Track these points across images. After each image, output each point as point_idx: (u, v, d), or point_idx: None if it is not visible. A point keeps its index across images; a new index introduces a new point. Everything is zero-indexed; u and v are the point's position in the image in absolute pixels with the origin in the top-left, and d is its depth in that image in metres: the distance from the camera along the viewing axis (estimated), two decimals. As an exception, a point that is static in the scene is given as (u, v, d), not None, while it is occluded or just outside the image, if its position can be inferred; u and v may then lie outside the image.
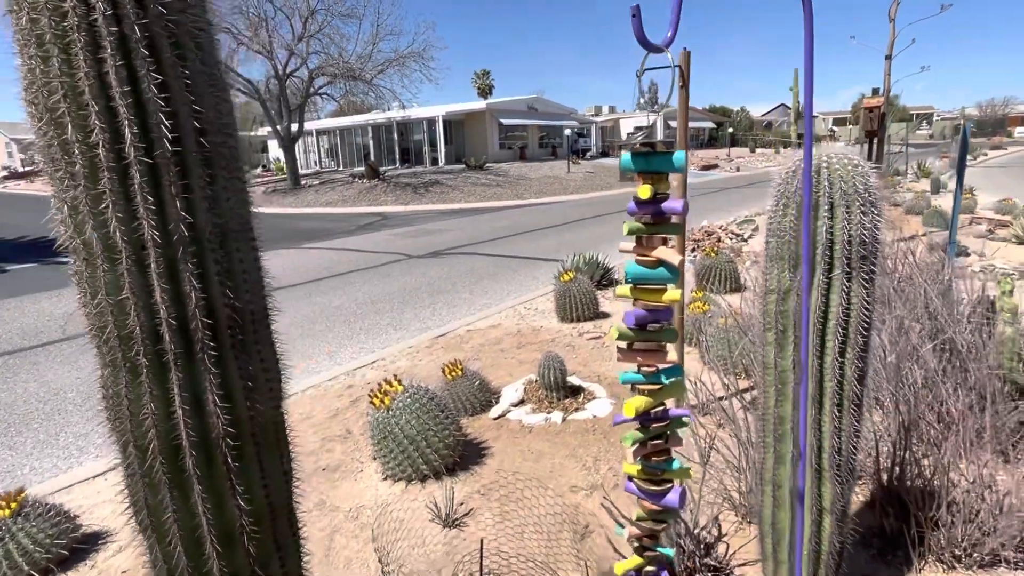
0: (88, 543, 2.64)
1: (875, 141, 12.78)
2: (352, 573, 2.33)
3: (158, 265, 0.95)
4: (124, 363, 1.00)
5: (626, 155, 0.82)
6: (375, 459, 3.10)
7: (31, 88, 0.90)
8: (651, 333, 0.86)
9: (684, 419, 0.94)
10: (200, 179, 0.97)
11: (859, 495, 2.56)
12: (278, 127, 24.39)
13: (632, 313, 0.83)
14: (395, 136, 33.23)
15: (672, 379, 0.89)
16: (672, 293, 0.82)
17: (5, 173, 38.76)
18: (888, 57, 17.27)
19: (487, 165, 28.16)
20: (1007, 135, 56.64)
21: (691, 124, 2.97)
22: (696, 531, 2.19)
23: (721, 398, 3.25)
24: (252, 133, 37.08)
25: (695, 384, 3.19)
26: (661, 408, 0.91)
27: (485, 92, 50.38)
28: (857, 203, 1.58)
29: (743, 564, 2.21)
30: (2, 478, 3.41)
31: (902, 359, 2.84)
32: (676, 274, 0.81)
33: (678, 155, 0.79)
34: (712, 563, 2.14)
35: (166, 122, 0.90)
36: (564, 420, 3.53)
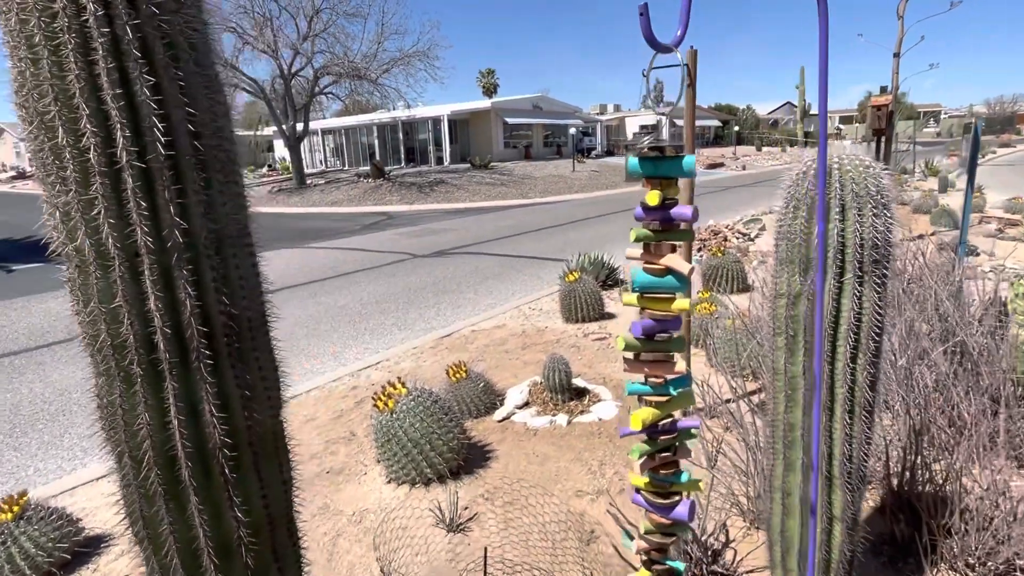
0: (90, 546, 2.63)
1: (883, 140, 12.67)
2: (355, 578, 2.31)
3: (152, 272, 0.93)
4: (118, 372, 0.97)
5: (633, 159, 0.79)
6: (379, 462, 3.08)
7: (22, 91, 0.88)
8: (659, 343, 0.83)
9: (693, 430, 0.91)
10: (195, 183, 0.94)
11: (868, 500, 2.52)
12: (284, 127, 24.43)
13: (639, 323, 0.80)
14: (400, 135, 33.24)
15: (680, 390, 0.86)
16: (681, 302, 0.79)
17: (13, 173, 39.00)
18: (896, 55, 17.13)
19: (492, 164, 28.13)
20: (1016, 132, 56.16)
21: (697, 122, 2.93)
22: (703, 537, 2.15)
23: (728, 400, 3.22)
24: (257, 133, 37.21)
25: (702, 387, 3.15)
26: (669, 420, 0.88)
27: (490, 91, 50.35)
28: (869, 205, 1.54)
29: (751, 571, 2.18)
30: (6, 479, 3.41)
31: (912, 362, 2.79)
32: (685, 283, 0.78)
33: (688, 159, 0.75)
34: (720, 570, 2.10)
35: (159, 125, 0.88)
36: (569, 423, 3.50)
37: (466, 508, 2.69)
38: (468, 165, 28.41)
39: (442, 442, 2.91)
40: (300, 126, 24.86)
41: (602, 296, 5.88)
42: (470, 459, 3.13)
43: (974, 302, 3.50)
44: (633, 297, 0.83)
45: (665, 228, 0.78)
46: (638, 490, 0.96)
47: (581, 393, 3.85)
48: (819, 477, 1.68)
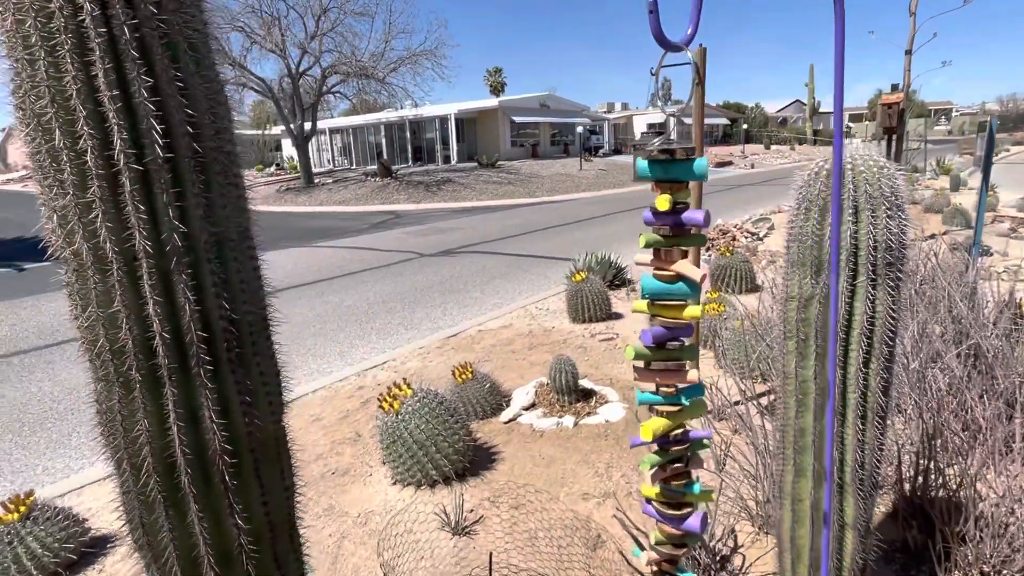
0: (97, 547, 2.63)
1: (893, 138, 12.52)
2: (360, 581, 2.29)
3: (151, 276, 0.91)
4: (117, 378, 0.96)
5: (642, 162, 0.76)
6: (384, 463, 3.06)
7: (19, 92, 0.87)
8: (670, 352, 0.80)
9: (705, 441, 0.88)
10: (194, 186, 0.93)
11: (880, 506, 2.48)
12: (291, 126, 24.52)
13: (649, 332, 0.78)
14: (407, 134, 33.28)
15: (693, 399, 0.84)
16: (693, 310, 0.76)
17: (25, 172, 39.37)
18: (908, 52, 16.94)
19: (499, 163, 28.10)
20: (1029, 130, 55.47)
21: (705, 121, 2.90)
22: (711, 543, 2.12)
23: (737, 402, 3.18)
24: (265, 132, 37.36)
25: (710, 389, 3.12)
26: (681, 430, 0.85)
27: (497, 90, 50.28)
28: (883, 206, 1.50)
29: (760, 578, 2.15)
30: (15, 478, 3.43)
31: (925, 364, 2.75)
32: (697, 290, 0.75)
33: (700, 162, 0.73)
34: (728, 576, 2.07)
35: (157, 127, 0.86)
36: (576, 425, 3.47)
37: (471, 511, 2.67)
38: (475, 164, 28.40)
39: (448, 444, 2.89)
40: (308, 125, 24.94)
41: (609, 296, 5.85)
42: (476, 461, 3.11)
43: (988, 303, 3.44)
44: (643, 304, 0.80)
45: (676, 233, 0.76)
46: (649, 501, 0.94)
47: (588, 395, 3.82)
48: (831, 484, 1.64)
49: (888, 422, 1.67)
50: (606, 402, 3.73)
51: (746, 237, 9.41)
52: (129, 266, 0.90)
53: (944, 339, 3.04)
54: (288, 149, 36.16)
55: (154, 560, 1.07)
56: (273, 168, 36.74)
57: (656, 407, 0.83)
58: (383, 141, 34.43)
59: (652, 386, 0.82)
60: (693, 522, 0.92)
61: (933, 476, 2.25)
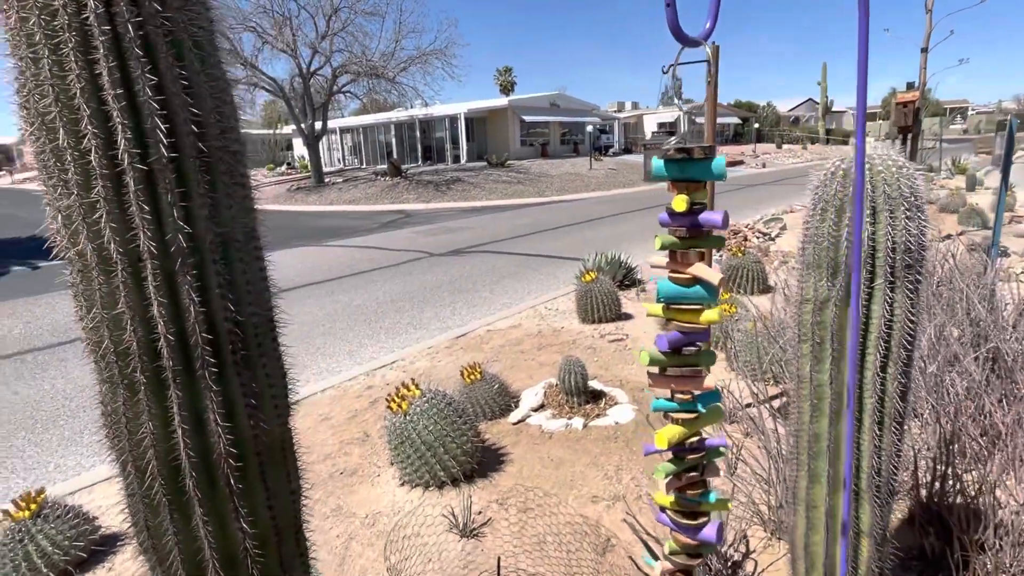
0: (106, 545, 2.64)
1: (908, 137, 12.35)
2: (367, 582, 2.28)
3: (155, 277, 0.90)
4: (121, 380, 0.95)
5: (658, 161, 0.74)
6: (392, 464, 3.05)
7: (23, 91, 0.85)
8: (686, 357, 0.78)
9: (722, 448, 0.86)
10: (199, 186, 0.91)
11: (896, 512, 2.43)
12: (302, 125, 24.62)
13: (664, 336, 0.75)
14: (417, 134, 33.32)
15: (710, 406, 0.81)
16: (710, 314, 0.74)
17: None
18: (924, 50, 16.70)
19: (509, 162, 28.07)
20: (1047, 129, 54.54)
21: (717, 120, 2.86)
22: (723, 548, 2.09)
23: (749, 405, 3.14)
24: (276, 131, 37.57)
25: (722, 391, 3.07)
26: (697, 438, 0.83)
27: (507, 89, 50.27)
28: (902, 207, 1.46)
29: (773, 584, 2.11)
30: (27, 475, 3.45)
31: (942, 368, 2.69)
32: (714, 293, 0.73)
33: (718, 161, 0.70)
34: (740, 583, 2.04)
35: (162, 126, 0.85)
36: (585, 426, 3.44)
37: (479, 513, 2.65)
38: (485, 163, 28.38)
39: (456, 445, 2.87)
40: (318, 125, 25.04)
41: (619, 296, 5.81)
42: (484, 462, 3.10)
43: (1008, 306, 3.38)
44: (658, 308, 0.77)
45: (692, 235, 0.73)
46: (663, 509, 0.91)
47: (597, 396, 3.79)
48: (849, 491, 1.61)
49: (905, 427, 1.64)
50: (616, 404, 3.70)
51: (758, 237, 9.33)
52: (133, 267, 0.89)
53: (962, 342, 2.98)
54: (299, 148, 36.32)
55: (159, 563, 1.05)
56: (284, 167, 36.95)
57: (671, 414, 0.80)
58: (393, 140, 34.50)
59: (667, 392, 0.79)
60: (709, 532, 0.89)
61: (951, 482, 2.20)
